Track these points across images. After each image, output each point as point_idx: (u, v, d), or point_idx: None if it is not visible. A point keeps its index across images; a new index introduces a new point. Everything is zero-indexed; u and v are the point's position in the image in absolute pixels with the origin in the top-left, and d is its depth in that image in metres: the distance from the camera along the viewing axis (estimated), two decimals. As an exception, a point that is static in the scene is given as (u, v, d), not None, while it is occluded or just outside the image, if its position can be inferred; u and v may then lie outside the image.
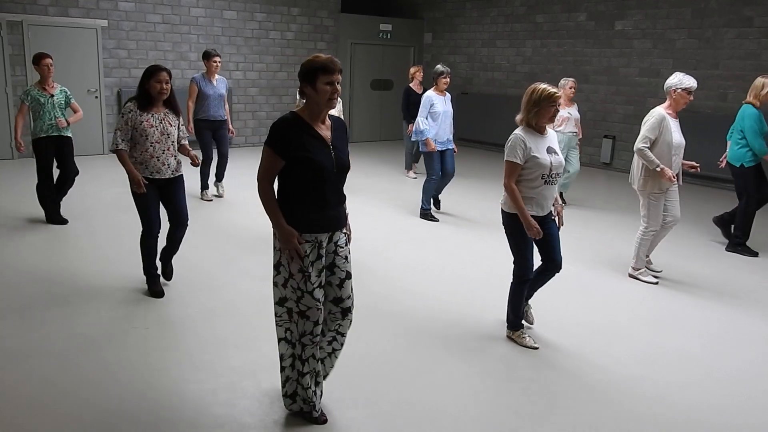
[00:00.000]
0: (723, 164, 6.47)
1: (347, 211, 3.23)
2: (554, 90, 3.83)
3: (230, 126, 7.98)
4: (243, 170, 9.72)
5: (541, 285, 4.30)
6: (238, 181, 8.87)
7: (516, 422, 3.28)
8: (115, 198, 7.68)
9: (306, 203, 2.96)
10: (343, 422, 3.22)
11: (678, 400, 3.55)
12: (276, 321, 3.13)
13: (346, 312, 3.17)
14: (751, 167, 6.18)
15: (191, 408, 3.30)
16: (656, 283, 5.37)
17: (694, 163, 5.38)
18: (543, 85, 3.87)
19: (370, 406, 3.37)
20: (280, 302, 3.08)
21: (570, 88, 7.66)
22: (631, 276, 5.50)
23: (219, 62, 7.65)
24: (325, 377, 3.32)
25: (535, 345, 4.13)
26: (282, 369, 3.19)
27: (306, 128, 2.95)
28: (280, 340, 3.15)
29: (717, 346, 4.26)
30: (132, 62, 10.99)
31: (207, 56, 7.61)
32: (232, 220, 7.03)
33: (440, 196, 7.67)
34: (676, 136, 5.15)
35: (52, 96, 6.34)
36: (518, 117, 3.99)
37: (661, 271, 5.60)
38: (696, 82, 5.17)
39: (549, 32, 11.87)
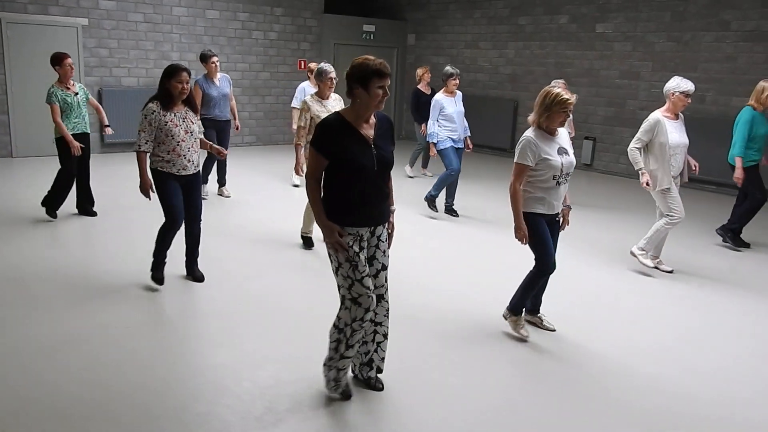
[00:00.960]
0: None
1: (393, 207, 3.37)
2: (567, 96, 3.87)
3: (237, 122, 8.01)
4: (230, 170, 9.67)
5: (542, 292, 4.36)
6: (228, 182, 8.84)
7: (509, 412, 3.33)
8: (105, 196, 7.62)
9: (348, 200, 3.12)
10: (341, 416, 3.24)
11: (657, 388, 3.63)
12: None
13: (379, 299, 3.37)
14: (750, 167, 6.38)
15: (174, 405, 3.30)
16: (654, 267, 5.63)
17: (694, 162, 5.64)
18: (557, 90, 3.90)
19: (369, 396, 3.40)
20: (338, 289, 3.24)
21: (562, 88, 7.76)
22: (632, 254, 5.72)
23: (217, 62, 7.58)
24: (379, 370, 3.56)
25: (526, 336, 4.20)
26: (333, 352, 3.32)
27: (348, 129, 3.10)
28: (336, 327, 3.27)
29: (698, 338, 4.35)
30: (113, 61, 10.91)
31: (204, 58, 7.53)
32: (221, 219, 7.02)
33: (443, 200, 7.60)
34: (675, 137, 5.38)
35: (77, 94, 6.45)
36: (530, 118, 4.06)
37: (672, 271, 5.73)
38: (693, 86, 5.40)
39: (531, 34, 11.97)
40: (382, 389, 3.52)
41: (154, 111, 4.54)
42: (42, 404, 3.28)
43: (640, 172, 5.38)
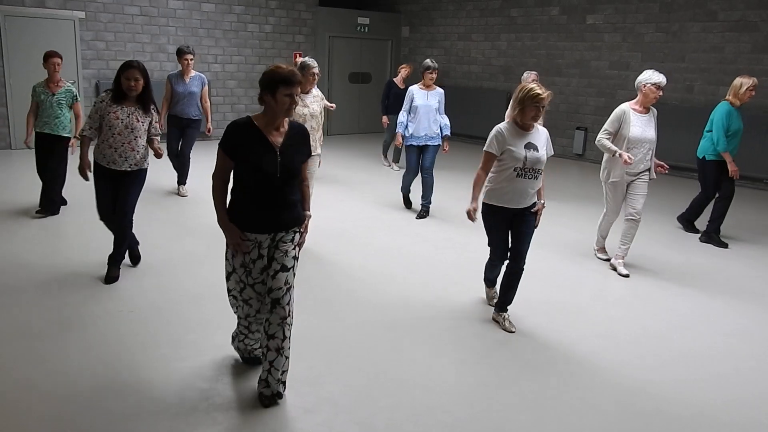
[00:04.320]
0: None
1: (309, 212, 3.45)
2: (540, 91, 3.96)
3: (209, 125, 7.83)
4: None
5: (512, 290, 4.35)
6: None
7: (484, 391, 3.50)
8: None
9: (249, 204, 3.15)
10: (322, 395, 3.42)
11: (632, 370, 3.82)
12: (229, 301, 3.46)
13: (275, 304, 3.16)
14: (712, 161, 6.45)
15: (177, 383, 3.47)
16: (608, 260, 5.75)
17: (663, 164, 5.59)
18: (531, 85, 4.03)
19: (348, 379, 3.57)
20: (228, 291, 3.39)
21: (532, 80, 7.82)
22: (608, 262, 5.79)
23: (190, 60, 7.45)
24: (279, 395, 3.32)
25: (490, 303, 4.71)
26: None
27: (256, 134, 3.11)
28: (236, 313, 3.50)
29: (671, 322, 4.55)
30: (110, 54, 11.01)
31: (178, 53, 7.48)
32: (211, 211, 7.15)
33: (411, 195, 7.57)
34: (637, 130, 5.30)
35: (54, 95, 6.41)
36: (507, 112, 4.28)
37: (627, 276, 5.47)
38: (665, 78, 5.36)
39: (523, 26, 12.11)
40: (267, 406, 3.27)
41: (103, 100, 4.68)
42: (49, 384, 3.45)
43: (617, 155, 5.24)
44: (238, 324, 3.52)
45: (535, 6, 11.84)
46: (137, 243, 5.27)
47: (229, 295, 3.40)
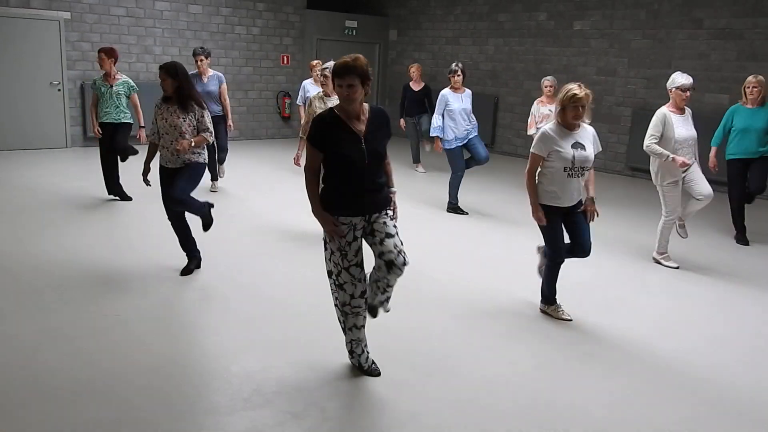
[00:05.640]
0: None
1: (393, 189, 3.56)
2: (577, 92, 4.12)
3: (229, 121, 8.12)
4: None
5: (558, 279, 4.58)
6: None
7: (475, 394, 3.49)
8: (77, 192, 7.68)
9: (342, 191, 3.34)
10: (310, 399, 3.39)
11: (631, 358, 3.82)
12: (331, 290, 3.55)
13: (390, 265, 3.38)
14: (729, 161, 6.63)
15: (163, 389, 3.43)
16: (677, 268, 5.73)
17: (686, 160, 5.54)
18: (570, 86, 4.18)
19: (336, 383, 3.56)
20: (328, 274, 3.49)
21: (547, 86, 7.83)
22: (655, 260, 5.88)
23: (200, 61, 7.67)
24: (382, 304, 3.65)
25: (569, 318, 4.50)
26: (343, 330, 3.63)
27: (340, 124, 3.29)
28: (335, 306, 3.58)
29: (665, 321, 4.57)
30: (95, 55, 10.84)
31: (193, 54, 7.75)
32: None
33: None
34: (681, 131, 5.54)
35: (112, 86, 6.98)
36: (554, 113, 4.40)
37: (677, 267, 5.76)
38: (687, 80, 5.54)
39: (511, 31, 12.16)
40: (379, 374, 3.65)
41: (156, 105, 5.00)
42: (36, 385, 3.40)
43: (671, 158, 5.40)
44: (343, 326, 3.60)
45: (523, 11, 11.90)
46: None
47: (330, 286, 3.50)
